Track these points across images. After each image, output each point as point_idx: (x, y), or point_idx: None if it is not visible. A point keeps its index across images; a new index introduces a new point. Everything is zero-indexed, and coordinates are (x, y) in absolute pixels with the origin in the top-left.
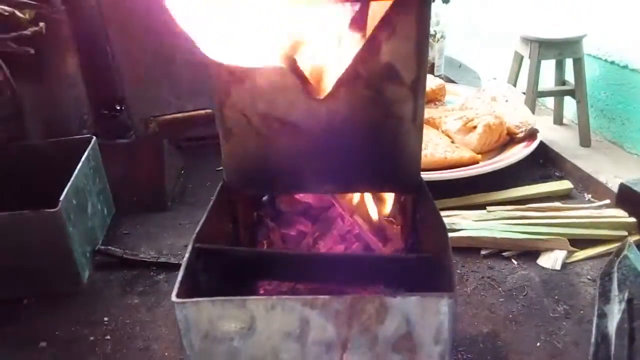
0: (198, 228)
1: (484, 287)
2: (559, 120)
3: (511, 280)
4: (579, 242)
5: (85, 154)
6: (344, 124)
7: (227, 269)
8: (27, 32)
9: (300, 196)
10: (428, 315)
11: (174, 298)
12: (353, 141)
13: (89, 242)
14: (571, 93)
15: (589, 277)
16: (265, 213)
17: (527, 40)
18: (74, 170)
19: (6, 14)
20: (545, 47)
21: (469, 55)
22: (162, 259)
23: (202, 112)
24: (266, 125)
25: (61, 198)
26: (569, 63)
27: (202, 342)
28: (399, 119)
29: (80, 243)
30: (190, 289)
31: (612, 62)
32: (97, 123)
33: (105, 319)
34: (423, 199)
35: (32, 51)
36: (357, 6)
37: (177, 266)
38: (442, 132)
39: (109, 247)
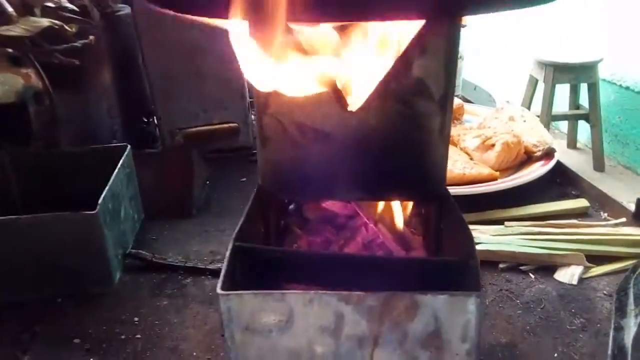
0: (237, 228)
1: (502, 299)
2: (572, 144)
3: (529, 293)
4: (595, 259)
5: (121, 161)
6: (374, 134)
7: (263, 268)
8: (78, 44)
9: (326, 205)
10: (456, 313)
11: (219, 290)
12: (382, 151)
13: (121, 245)
14: (585, 117)
15: (605, 292)
16: (292, 220)
17: (542, 64)
18: (108, 176)
19: (56, 27)
20: (560, 71)
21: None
22: (189, 264)
23: (226, 125)
24: (301, 133)
25: (99, 201)
26: (583, 87)
27: (243, 334)
28: (427, 132)
29: (113, 245)
30: (230, 284)
31: (627, 88)
32: (127, 134)
33: (136, 319)
34: (448, 207)
35: (77, 62)
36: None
37: (203, 271)
38: (461, 149)
39: (139, 251)
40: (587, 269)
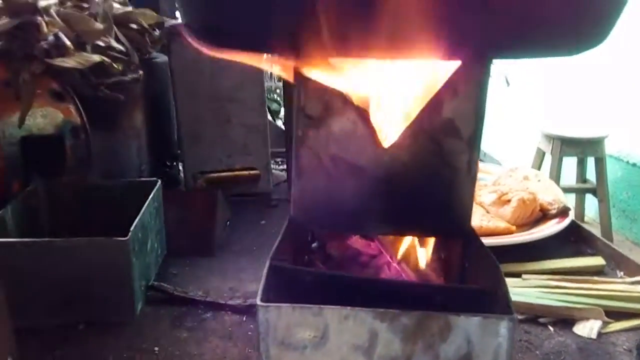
0: (273, 249)
1: (521, 350)
2: (580, 218)
3: (548, 345)
4: (613, 314)
5: (152, 194)
6: (405, 170)
7: (296, 289)
8: (127, 77)
9: (349, 242)
10: (488, 336)
11: (258, 302)
12: (412, 187)
13: (144, 277)
14: (592, 191)
15: (625, 347)
16: (316, 257)
17: (549, 137)
18: (137, 210)
19: (106, 63)
20: (567, 145)
21: (491, 147)
22: (209, 299)
23: (247, 173)
24: (335, 166)
25: (131, 229)
26: (590, 162)
27: (278, 348)
28: (455, 170)
29: (138, 276)
30: (267, 299)
31: (634, 165)
32: (152, 174)
33: (156, 348)
34: (473, 242)
35: (122, 97)
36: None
37: (223, 306)
38: (477, 204)
39: (162, 284)
40: (605, 323)
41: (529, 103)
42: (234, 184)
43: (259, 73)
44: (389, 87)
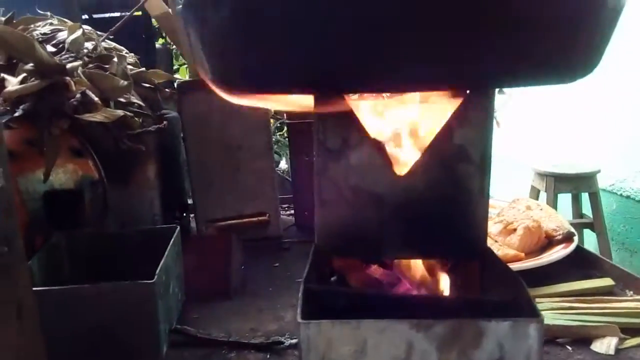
0: (305, 274)
1: None
2: None
3: None
4: (628, 331)
5: (172, 239)
6: (420, 196)
7: (330, 309)
8: (151, 128)
9: (369, 272)
10: (519, 339)
11: (299, 319)
12: (428, 212)
13: (167, 320)
14: (590, 226)
15: None
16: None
17: (542, 175)
18: (156, 256)
19: (129, 117)
20: (560, 182)
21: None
22: (232, 339)
23: (256, 219)
24: (355, 196)
25: (157, 272)
26: (585, 197)
27: None
28: (468, 193)
29: (163, 319)
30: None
31: (628, 197)
32: (165, 224)
33: None
34: (491, 261)
35: (143, 148)
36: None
37: (246, 345)
38: None
39: (185, 327)
40: (622, 340)
41: (519, 142)
42: (244, 231)
43: (265, 120)
44: (402, 120)
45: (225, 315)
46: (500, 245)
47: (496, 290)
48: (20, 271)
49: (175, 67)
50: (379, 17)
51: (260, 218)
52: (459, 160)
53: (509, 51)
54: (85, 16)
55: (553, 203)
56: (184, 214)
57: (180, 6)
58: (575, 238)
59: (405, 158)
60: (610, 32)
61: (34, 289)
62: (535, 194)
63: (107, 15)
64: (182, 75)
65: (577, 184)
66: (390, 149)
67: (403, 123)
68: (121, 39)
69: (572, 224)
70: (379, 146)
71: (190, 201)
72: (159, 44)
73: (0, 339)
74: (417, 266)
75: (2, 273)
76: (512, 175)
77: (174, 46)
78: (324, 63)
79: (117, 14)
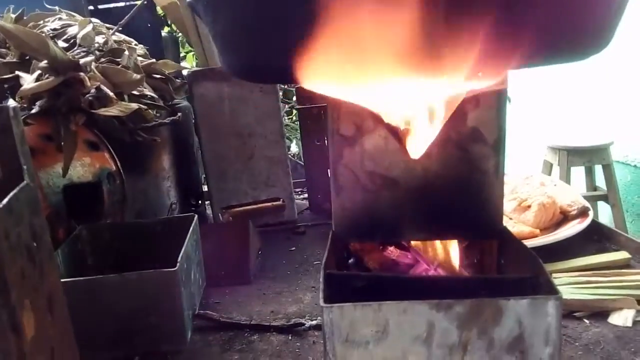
0: (324, 261)
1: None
2: None
3: (586, 336)
4: None
5: (191, 227)
6: (436, 179)
7: (351, 293)
8: (166, 120)
9: (386, 254)
10: (538, 316)
11: (322, 303)
12: (445, 193)
13: (190, 306)
14: (604, 198)
15: None
16: (354, 271)
17: (555, 149)
18: (176, 245)
19: (143, 110)
20: (573, 155)
21: None
22: (254, 322)
23: (270, 204)
24: (371, 181)
25: (178, 260)
26: (598, 169)
27: (342, 346)
28: (483, 173)
29: (186, 305)
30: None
31: None
32: (182, 212)
33: None
34: (508, 241)
35: (159, 140)
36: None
37: (268, 328)
38: None
39: (207, 312)
40: (639, 312)
41: (531, 117)
42: (260, 216)
43: (276, 107)
44: (416, 103)
45: (245, 300)
46: (515, 222)
47: (514, 269)
48: (50, 266)
49: (182, 55)
50: None
51: (275, 203)
52: (473, 142)
53: (525, 33)
54: (90, 7)
55: (566, 176)
56: (200, 201)
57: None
58: (591, 213)
59: (420, 141)
60: (623, 8)
61: (63, 280)
62: (548, 168)
63: (112, 5)
64: (190, 63)
65: (591, 156)
66: (404, 133)
67: (416, 106)
68: (127, 28)
69: (585, 197)
70: (393, 130)
71: (205, 188)
72: (164, 32)
73: (36, 332)
74: (434, 246)
75: (33, 269)
76: (524, 150)
77: (180, 34)
78: None
79: (121, 4)
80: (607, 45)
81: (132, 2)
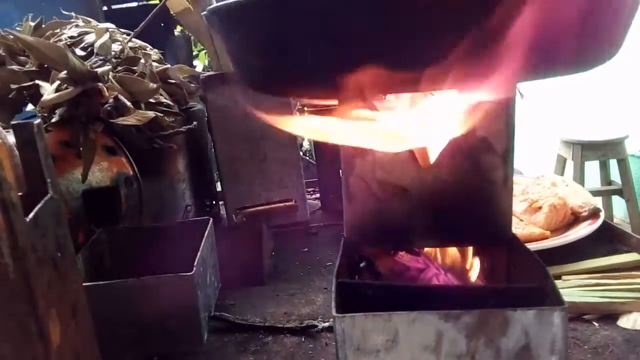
0: (335, 269)
1: (570, 346)
2: (610, 219)
3: (595, 339)
4: None
5: (207, 231)
6: (446, 187)
7: (363, 301)
8: (182, 129)
9: (397, 258)
10: (544, 327)
11: (334, 313)
12: (454, 202)
13: (206, 308)
14: (619, 192)
15: None
16: (365, 276)
17: (569, 143)
18: (192, 247)
19: (160, 118)
20: (587, 149)
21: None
22: (268, 324)
23: (283, 204)
24: (382, 189)
25: (195, 264)
26: (613, 163)
27: (354, 354)
28: (492, 183)
29: (203, 307)
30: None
31: None
32: (197, 213)
33: None
34: (517, 247)
35: (175, 147)
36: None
37: (282, 329)
38: None
39: (222, 313)
40: None
41: (544, 111)
42: (273, 216)
43: (288, 112)
44: (427, 114)
45: (259, 301)
46: (526, 224)
47: (522, 277)
48: (73, 274)
49: (195, 53)
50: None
51: (287, 204)
52: (483, 152)
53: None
54: (104, 7)
55: (580, 171)
56: (214, 201)
57: (206, 12)
58: (602, 214)
59: (430, 151)
60: (630, 22)
61: (85, 284)
62: (561, 162)
63: (124, 5)
64: (202, 61)
65: (605, 150)
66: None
67: (428, 118)
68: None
69: (600, 191)
70: (404, 139)
71: (218, 188)
72: (177, 30)
73: (61, 340)
74: (445, 252)
75: (58, 278)
76: (538, 145)
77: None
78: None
79: (134, 4)
80: (613, 56)
81: (146, 2)
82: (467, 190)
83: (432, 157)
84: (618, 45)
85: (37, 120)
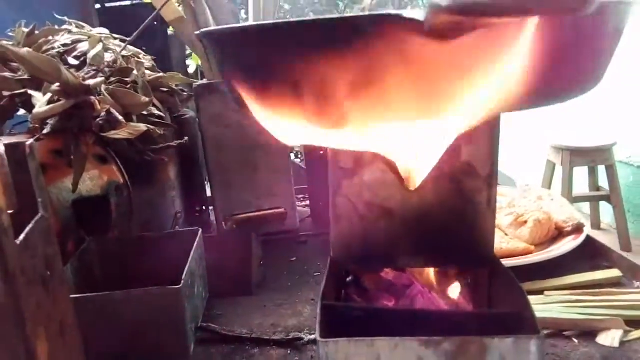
0: (321, 290)
1: None
2: (596, 225)
3: (574, 356)
4: (633, 323)
5: (196, 242)
6: (431, 209)
7: (347, 324)
8: (174, 143)
9: (383, 274)
10: (521, 354)
11: (318, 338)
12: (439, 224)
13: (194, 319)
14: (606, 198)
15: None
16: (352, 290)
17: (558, 149)
18: (182, 257)
19: (151, 131)
20: (576, 155)
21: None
22: (255, 336)
23: (272, 212)
24: (369, 211)
25: (183, 277)
26: (601, 169)
27: None
28: (476, 205)
29: (190, 319)
30: (325, 335)
31: None
32: (187, 219)
33: None
34: (498, 270)
35: (167, 159)
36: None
37: (268, 341)
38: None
39: (209, 324)
40: (626, 332)
41: (535, 117)
42: (262, 224)
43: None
44: (413, 139)
45: (247, 312)
46: (510, 238)
47: (502, 300)
48: (62, 291)
49: (187, 52)
50: None
51: (276, 211)
52: (467, 176)
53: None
54: (97, 5)
55: (569, 177)
56: (204, 207)
57: (198, 32)
58: (585, 229)
59: (415, 175)
60: (613, 52)
61: (73, 296)
62: (551, 168)
63: (118, 4)
64: (195, 61)
65: (594, 157)
66: (401, 166)
67: (413, 143)
68: (134, 28)
69: (588, 197)
70: (390, 164)
71: (208, 193)
72: (171, 30)
73: (50, 356)
74: (429, 270)
75: (47, 297)
76: (528, 151)
77: None
78: None
79: (128, 2)
80: (595, 86)
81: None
82: (451, 213)
83: (418, 180)
84: (602, 77)
85: (30, 141)
